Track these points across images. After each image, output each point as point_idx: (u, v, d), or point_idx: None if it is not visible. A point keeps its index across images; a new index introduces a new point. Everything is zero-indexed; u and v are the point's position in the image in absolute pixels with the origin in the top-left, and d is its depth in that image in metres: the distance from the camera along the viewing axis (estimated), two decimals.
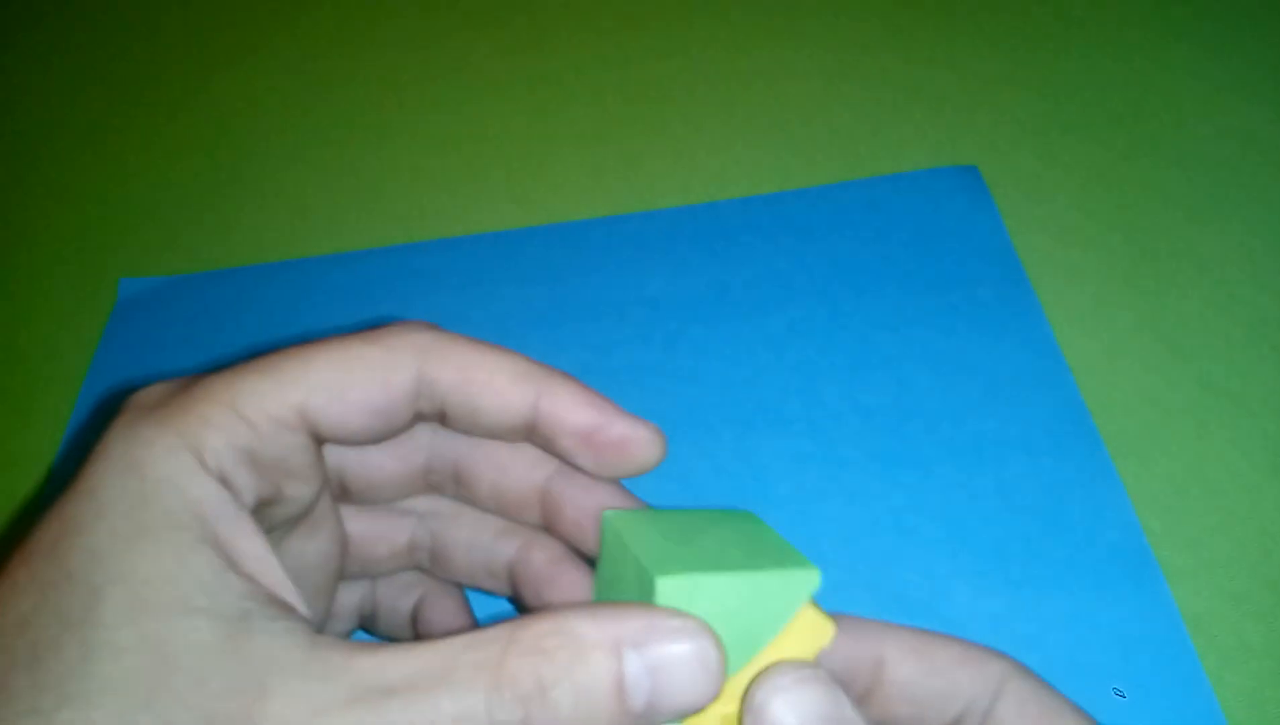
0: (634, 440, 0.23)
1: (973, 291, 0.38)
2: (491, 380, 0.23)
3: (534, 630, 0.18)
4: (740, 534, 0.22)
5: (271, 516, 0.22)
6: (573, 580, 0.25)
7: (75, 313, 0.42)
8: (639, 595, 0.20)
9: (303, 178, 0.46)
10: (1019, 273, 0.38)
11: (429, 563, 0.27)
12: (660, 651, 0.18)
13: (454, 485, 0.26)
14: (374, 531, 0.27)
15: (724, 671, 0.19)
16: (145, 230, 0.45)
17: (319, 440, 0.22)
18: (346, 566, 0.26)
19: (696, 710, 0.19)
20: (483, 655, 0.18)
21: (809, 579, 0.20)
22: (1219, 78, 0.44)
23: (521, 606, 0.26)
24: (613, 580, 0.23)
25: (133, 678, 0.17)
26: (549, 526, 0.26)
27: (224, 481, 0.20)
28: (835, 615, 0.23)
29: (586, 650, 0.18)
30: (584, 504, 0.25)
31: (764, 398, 0.36)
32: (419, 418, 0.23)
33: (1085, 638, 0.29)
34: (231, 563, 0.19)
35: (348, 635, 0.28)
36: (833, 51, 0.48)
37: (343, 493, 0.26)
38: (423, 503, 0.27)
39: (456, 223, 0.44)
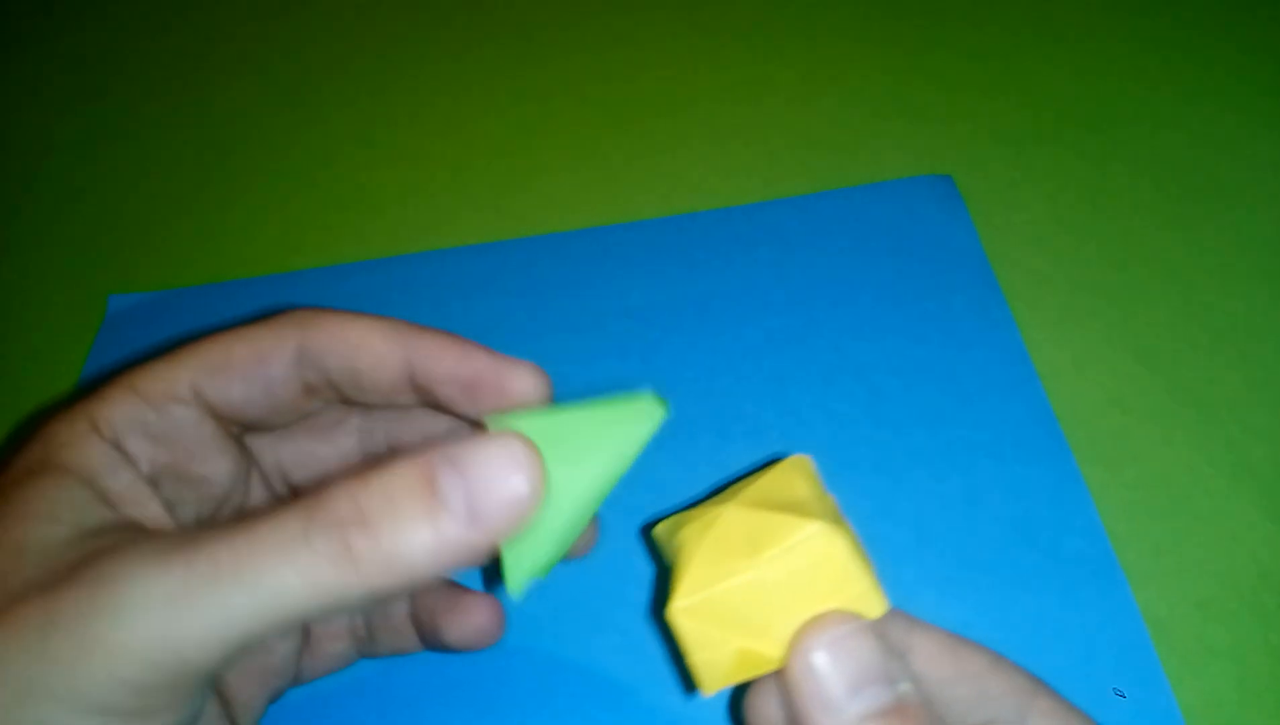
0: (507, 378, 0.24)
1: (945, 300, 0.39)
2: (364, 340, 0.24)
3: (353, 475, 0.20)
4: (614, 399, 0.22)
5: (191, 496, 0.25)
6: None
7: (64, 329, 0.43)
8: None
9: (289, 192, 0.47)
10: (991, 281, 0.39)
11: None
12: (472, 457, 0.19)
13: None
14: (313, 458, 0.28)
15: (539, 468, 0.19)
16: (133, 246, 0.46)
17: (221, 419, 0.25)
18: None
19: (523, 513, 0.19)
20: (304, 501, 0.19)
21: (654, 410, 0.21)
22: (1191, 86, 0.45)
23: None
24: None
25: None
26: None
27: (116, 446, 0.23)
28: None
29: (400, 469, 0.19)
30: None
31: (740, 407, 0.37)
32: (311, 392, 0.25)
33: (1049, 641, 0.30)
34: (109, 501, 0.22)
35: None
36: (809, 64, 0.49)
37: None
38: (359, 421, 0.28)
39: (441, 235, 0.44)
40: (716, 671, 0.21)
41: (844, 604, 0.21)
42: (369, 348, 0.24)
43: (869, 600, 0.21)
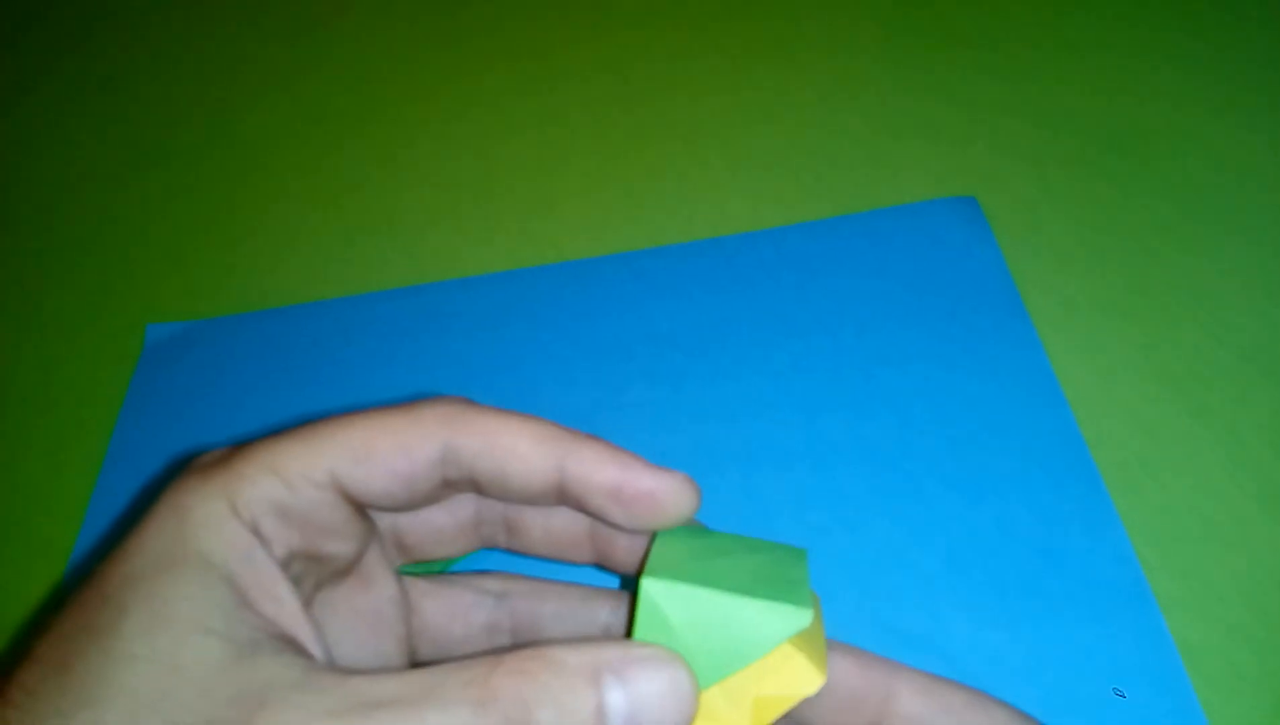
0: (662, 492, 0.24)
1: (971, 323, 0.39)
2: (515, 446, 0.24)
3: (518, 655, 0.20)
4: (767, 564, 0.23)
5: (315, 570, 0.24)
6: None
7: (103, 360, 0.44)
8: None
9: (320, 221, 0.48)
10: (1017, 304, 0.39)
11: (512, 642, 0.28)
12: (638, 679, 0.19)
13: (506, 535, 0.27)
14: (449, 611, 0.28)
15: (696, 699, 0.20)
16: (170, 276, 0.47)
17: (354, 503, 0.24)
18: (422, 647, 0.28)
19: None
20: (470, 675, 0.19)
21: (796, 618, 0.21)
22: (1217, 105, 0.45)
23: None
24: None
25: (145, 685, 0.19)
26: (602, 563, 0.27)
27: (255, 530, 0.22)
28: (849, 648, 0.24)
29: (568, 674, 0.19)
30: (634, 539, 0.26)
31: (768, 432, 0.37)
32: (450, 486, 0.25)
33: (1081, 667, 0.30)
34: (249, 599, 0.21)
35: None
36: (831, 85, 0.49)
37: (401, 549, 0.27)
38: (495, 584, 0.28)
39: (467, 260, 0.45)
40: None
41: (777, 682, 0.21)
42: (520, 455, 0.24)
43: (803, 675, 0.22)
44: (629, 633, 0.22)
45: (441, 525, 0.27)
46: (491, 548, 0.28)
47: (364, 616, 0.26)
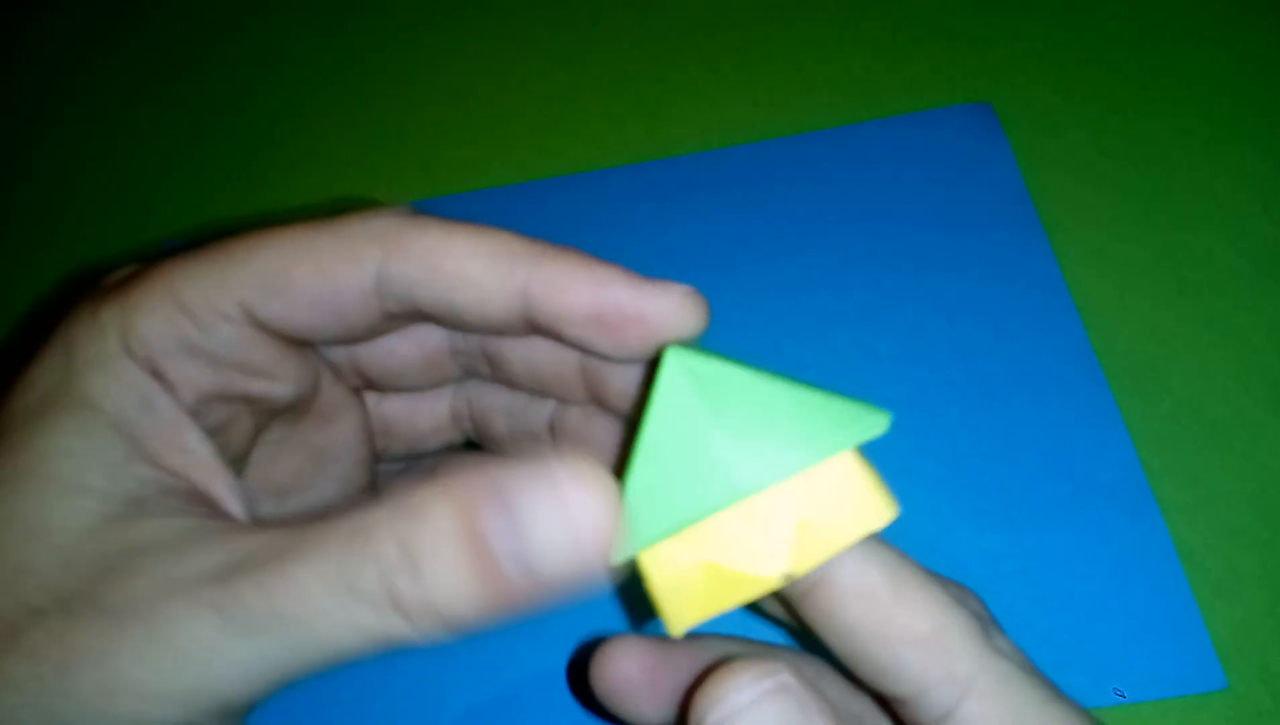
0: (654, 313, 0.19)
1: (984, 231, 0.39)
2: (464, 269, 0.19)
3: (393, 498, 0.17)
4: (815, 391, 0.19)
5: (248, 413, 0.21)
6: (605, 430, 0.23)
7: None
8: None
9: (326, 132, 0.47)
10: (1030, 211, 0.39)
11: (475, 432, 0.25)
12: (515, 489, 0.16)
13: (486, 366, 0.23)
14: (412, 409, 0.25)
15: (612, 509, 0.16)
16: (183, 190, 0.47)
17: (280, 337, 0.21)
18: (391, 446, 0.25)
19: (592, 569, 0.16)
20: (348, 525, 0.16)
21: (870, 420, 0.17)
22: (1243, 5, 0.43)
23: None
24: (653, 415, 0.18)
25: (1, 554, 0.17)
26: (598, 404, 0.23)
27: (153, 371, 0.19)
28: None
29: (439, 503, 0.16)
30: (630, 374, 0.22)
31: (779, 343, 0.37)
32: (394, 318, 0.21)
33: (1082, 571, 0.31)
34: (145, 451, 0.19)
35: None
36: None
37: (365, 382, 0.24)
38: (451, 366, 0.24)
39: (480, 175, 0.45)
40: (688, 603, 0.17)
41: (839, 515, 0.17)
42: (471, 281, 0.19)
43: (873, 503, 0.17)
44: (637, 428, 0.18)
45: (407, 356, 0.23)
46: (475, 377, 0.24)
47: (321, 452, 0.23)
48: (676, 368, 0.17)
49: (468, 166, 0.45)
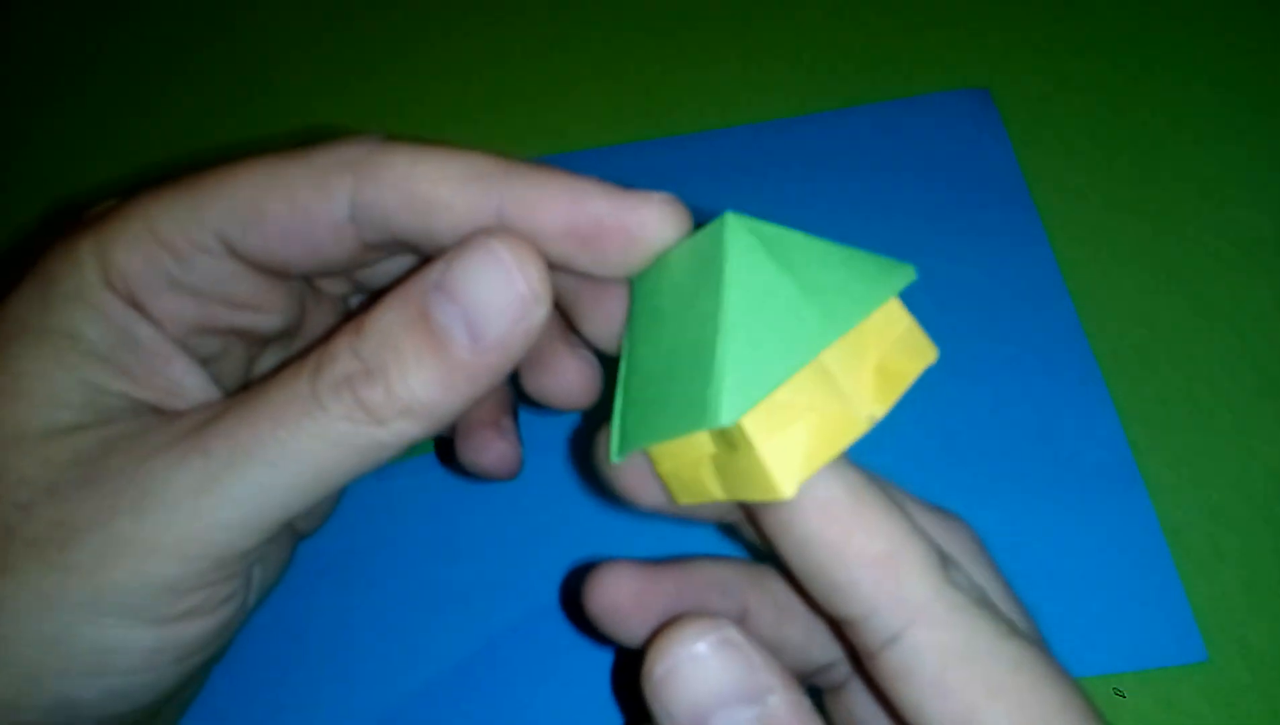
0: (635, 225, 0.19)
1: (978, 215, 0.39)
2: (435, 193, 0.19)
3: (341, 332, 0.18)
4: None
5: (241, 342, 0.22)
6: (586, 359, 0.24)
7: None
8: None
9: (327, 108, 0.48)
10: (1024, 196, 0.39)
11: None
12: (450, 274, 0.17)
13: None
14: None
15: (534, 261, 0.17)
16: (164, 120, 0.47)
17: (259, 269, 0.21)
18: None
19: (532, 317, 0.17)
20: (306, 358, 0.18)
21: (902, 272, 0.18)
22: None
23: None
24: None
25: None
26: (589, 338, 0.22)
27: (135, 304, 0.19)
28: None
29: (389, 310, 0.17)
30: (609, 293, 0.21)
31: None
32: (373, 248, 0.20)
33: (1068, 547, 0.31)
34: (124, 376, 0.19)
35: None
36: None
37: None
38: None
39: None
40: (794, 461, 0.17)
41: (894, 353, 0.18)
42: (444, 204, 0.19)
43: (918, 345, 0.18)
44: (695, 302, 0.17)
45: (400, 270, 0.23)
46: None
47: None
48: (742, 230, 0.17)
49: (466, 145, 0.45)
